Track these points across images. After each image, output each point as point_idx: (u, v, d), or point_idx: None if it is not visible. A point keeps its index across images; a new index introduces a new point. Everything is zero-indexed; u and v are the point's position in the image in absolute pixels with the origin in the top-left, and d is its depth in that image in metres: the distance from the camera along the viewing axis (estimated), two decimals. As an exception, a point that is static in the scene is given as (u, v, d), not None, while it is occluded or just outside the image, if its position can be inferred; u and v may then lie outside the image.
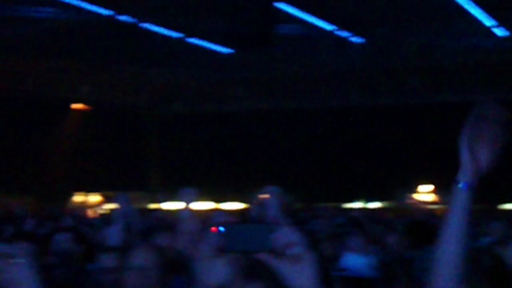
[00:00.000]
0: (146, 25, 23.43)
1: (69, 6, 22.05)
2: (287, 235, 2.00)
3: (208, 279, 2.33)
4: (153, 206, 26.56)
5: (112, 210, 8.07)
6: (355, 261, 6.95)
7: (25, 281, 1.75)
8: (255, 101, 30.05)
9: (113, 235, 5.49)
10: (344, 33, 23.31)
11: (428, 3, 20.45)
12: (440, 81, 26.52)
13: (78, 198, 29.66)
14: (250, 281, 2.40)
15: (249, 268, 2.37)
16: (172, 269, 3.51)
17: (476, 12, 20.25)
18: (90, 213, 24.29)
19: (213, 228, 2.21)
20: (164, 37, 24.07)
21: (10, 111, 26.18)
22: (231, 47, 23.71)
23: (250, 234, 2.09)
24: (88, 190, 29.71)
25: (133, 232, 5.41)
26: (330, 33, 23.11)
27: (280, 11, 19.63)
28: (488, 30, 22.21)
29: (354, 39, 23.74)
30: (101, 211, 25.02)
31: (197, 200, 5.17)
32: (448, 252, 2.14)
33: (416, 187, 27.82)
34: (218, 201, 26.71)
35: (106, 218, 12.43)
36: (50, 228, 8.33)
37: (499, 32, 22.39)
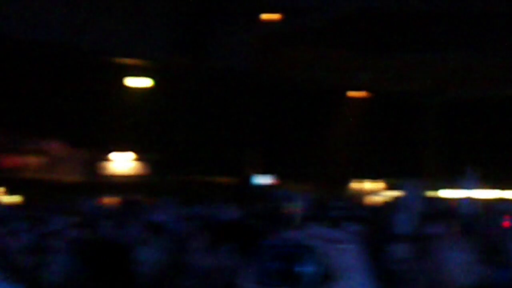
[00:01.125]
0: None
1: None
2: None
3: None
4: (430, 193, 26.54)
5: (398, 197, 8.07)
6: None
7: (354, 268, 1.70)
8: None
9: (402, 223, 5.41)
10: None
11: None
12: None
13: (356, 185, 30.35)
14: None
15: None
16: (491, 262, 3.32)
17: None
18: (367, 200, 24.67)
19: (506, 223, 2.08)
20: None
21: (296, 99, 27.34)
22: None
23: None
24: (366, 177, 30.35)
25: (420, 220, 5.32)
26: None
27: None
28: None
29: None
30: (381, 198, 25.25)
31: (479, 187, 4.96)
32: None
33: None
34: (502, 189, 25.85)
35: (389, 206, 12.57)
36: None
37: None
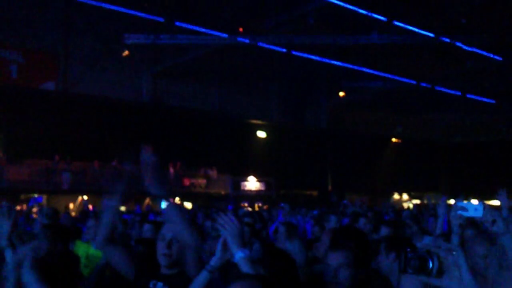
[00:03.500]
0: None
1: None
2: None
3: None
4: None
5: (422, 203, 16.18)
6: None
7: (457, 266, 2.06)
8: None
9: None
10: None
11: None
12: None
13: (396, 196, 38.87)
14: None
15: None
16: None
17: None
18: (402, 206, 31.52)
19: None
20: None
21: (355, 144, 35.66)
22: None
23: None
24: (400, 190, 38.81)
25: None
26: None
27: None
28: None
29: None
30: (409, 206, 32.12)
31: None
32: None
33: None
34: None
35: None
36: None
37: None
